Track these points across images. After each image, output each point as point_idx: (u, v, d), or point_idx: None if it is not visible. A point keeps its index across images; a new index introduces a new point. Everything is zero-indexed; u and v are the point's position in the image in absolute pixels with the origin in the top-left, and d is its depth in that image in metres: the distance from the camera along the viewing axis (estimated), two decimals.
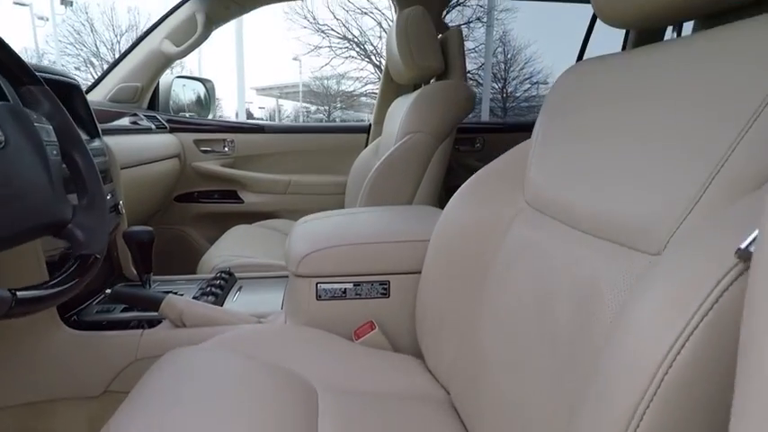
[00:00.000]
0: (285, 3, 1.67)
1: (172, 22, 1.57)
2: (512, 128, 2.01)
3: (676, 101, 0.43)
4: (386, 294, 0.83)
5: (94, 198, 0.66)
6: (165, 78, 1.79)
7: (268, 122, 1.94)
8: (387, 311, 0.83)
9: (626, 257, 0.42)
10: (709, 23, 0.46)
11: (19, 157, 0.52)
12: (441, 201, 1.30)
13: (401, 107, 1.38)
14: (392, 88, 1.77)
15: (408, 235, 0.84)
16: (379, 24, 13.08)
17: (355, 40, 14.38)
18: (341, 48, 14.72)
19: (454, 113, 1.26)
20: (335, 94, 21.20)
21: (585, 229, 0.49)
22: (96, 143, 1.05)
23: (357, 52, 14.68)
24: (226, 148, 1.82)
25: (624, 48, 1.52)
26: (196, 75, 2.65)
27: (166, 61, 1.62)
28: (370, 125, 1.88)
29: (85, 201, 0.64)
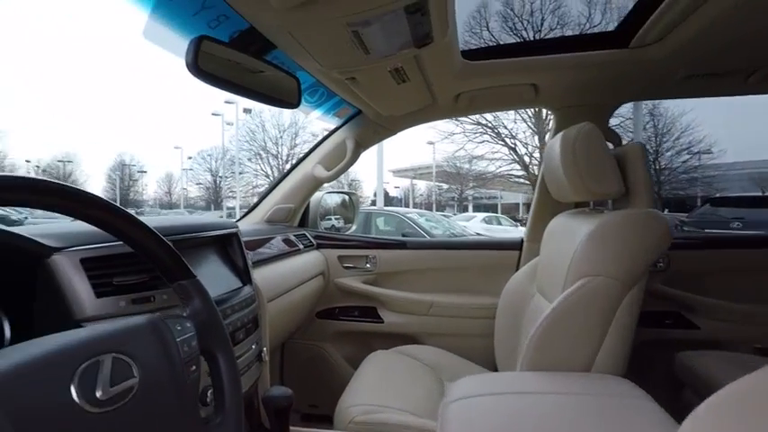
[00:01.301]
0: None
1: (324, 148, 1.65)
2: (704, 243, 1.61)
3: None
4: None
5: (231, 414, 0.57)
6: (316, 195, 1.87)
7: (411, 239, 1.86)
8: None
9: None
10: None
11: (152, 399, 0.46)
12: (629, 367, 1.00)
13: (567, 231, 1.16)
14: (549, 202, 1.56)
15: None
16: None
17: (489, 125, 14.74)
18: (474, 133, 15.19)
19: (648, 253, 0.99)
20: (468, 174, 21.61)
21: None
22: (247, 290, 1.04)
23: (491, 136, 14.96)
24: (368, 265, 1.77)
25: None
26: None
27: (318, 184, 1.69)
28: (522, 241, 1.67)
29: (220, 419, 0.55)
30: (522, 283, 1.43)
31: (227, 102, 24.17)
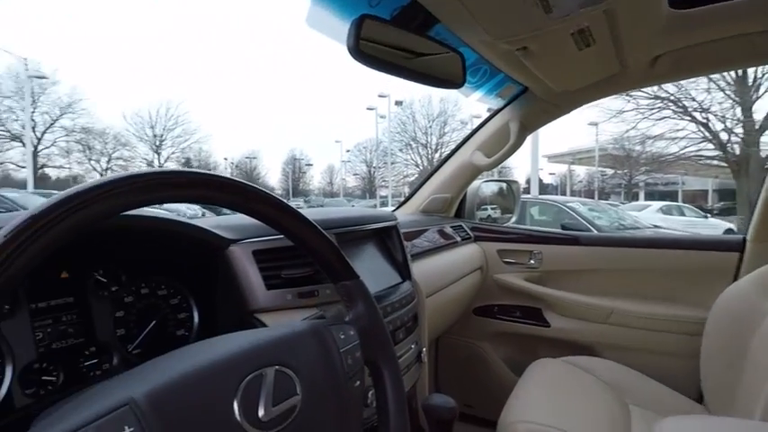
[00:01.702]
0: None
1: (483, 133, 1.51)
2: None
3: None
4: None
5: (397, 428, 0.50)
6: (473, 184, 1.74)
7: (585, 233, 1.61)
8: None
9: None
10: None
11: (312, 422, 0.41)
12: None
13: None
14: None
15: None
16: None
17: (671, 97, 12.26)
18: (651, 109, 12.85)
19: None
20: (639, 156, 18.70)
21: None
22: (406, 286, 0.98)
23: (673, 111, 12.46)
24: (531, 261, 1.59)
25: None
26: None
27: (476, 172, 1.56)
28: (744, 241, 1.29)
29: None
30: (748, 296, 1.09)
31: (380, 96, 25.47)
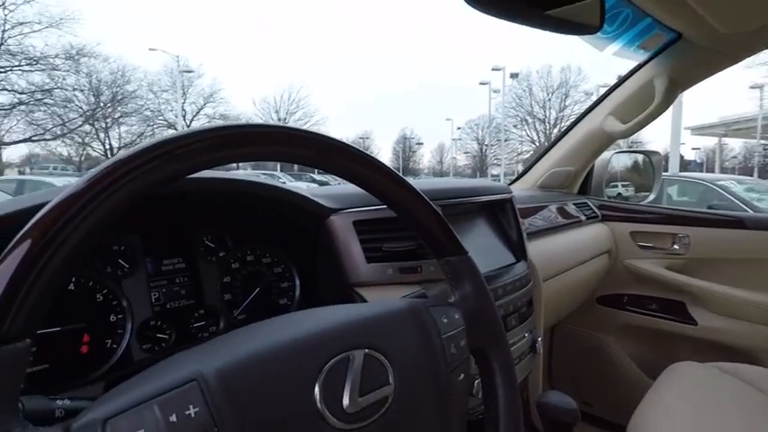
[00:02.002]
0: None
1: (618, 95, 1.28)
2: None
3: None
4: None
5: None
6: (602, 156, 1.52)
7: (752, 214, 1.30)
8: None
9: None
10: None
11: (406, 419, 0.35)
12: None
13: None
14: None
15: None
16: None
17: None
18: None
19: None
20: None
21: None
22: (521, 267, 0.87)
23: None
24: (675, 246, 1.34)
25: None
26: None
27: (607, 141, 1.35)
28: None
29: None
30: None
31: (494, 69, 24.25)
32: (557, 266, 1.11)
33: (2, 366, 0.22)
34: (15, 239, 0.24)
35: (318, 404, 0.30)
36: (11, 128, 19.30)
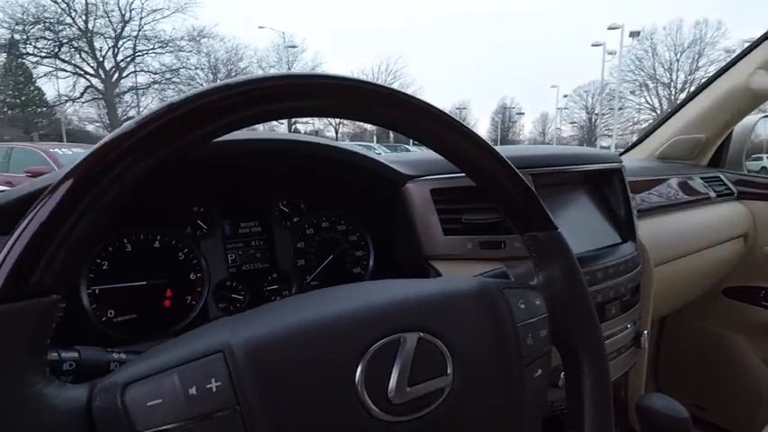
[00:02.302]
0: None
1: None
2: None
3: None
4: None
5: None
6: (744, 121, 1.26)
7: None
8: None
9: None
10: None
11: (466, 418, 0.30)
12: None
13: None
14: None
15: None
16: None
17: None
18: None
19: None
20: None
21: None
22: (628, 248, 0.75)
23: None
24: None
25: None
26: None
27: (753, 102, 1.11)
28: None
29: None
30: None
31: (610, 28, 21.68)
32: (674, 250, 0.96)
33: (26, 321, 0.22)
34: (58, 180, 0.22)
35: (359, 390, 0.27)
36: (147, 105, 22.09)
